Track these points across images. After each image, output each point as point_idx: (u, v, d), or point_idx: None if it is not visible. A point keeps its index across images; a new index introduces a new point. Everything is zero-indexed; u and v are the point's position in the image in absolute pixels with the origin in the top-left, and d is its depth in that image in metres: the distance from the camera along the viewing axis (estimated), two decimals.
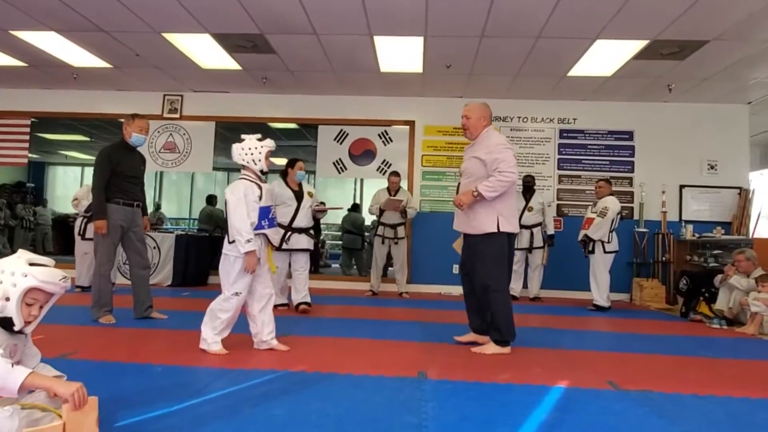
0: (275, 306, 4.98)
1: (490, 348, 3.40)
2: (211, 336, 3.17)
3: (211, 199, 9.49)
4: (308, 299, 5.10)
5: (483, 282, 3.42)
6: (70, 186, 14.30)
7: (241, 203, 3.12)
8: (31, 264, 1.70)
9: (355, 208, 9.80)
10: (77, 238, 6.18)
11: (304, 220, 5.16)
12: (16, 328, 1.69)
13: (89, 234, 6.05)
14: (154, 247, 7.02)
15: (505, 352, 3.39)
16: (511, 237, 3.53)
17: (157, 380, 2.57)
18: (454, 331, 3.91)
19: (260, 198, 3.21)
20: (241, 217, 3.11)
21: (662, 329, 4.91)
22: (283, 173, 5.28)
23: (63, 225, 12.51)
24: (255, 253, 3.13)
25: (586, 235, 6.01)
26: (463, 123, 3.62)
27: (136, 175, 4.32)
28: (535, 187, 6.83)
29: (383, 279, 6.94)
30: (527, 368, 3.07)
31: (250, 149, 3.24)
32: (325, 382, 2.62)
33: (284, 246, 5.01)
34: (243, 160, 3.24)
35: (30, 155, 8.46)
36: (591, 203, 6.41)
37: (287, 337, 3.73)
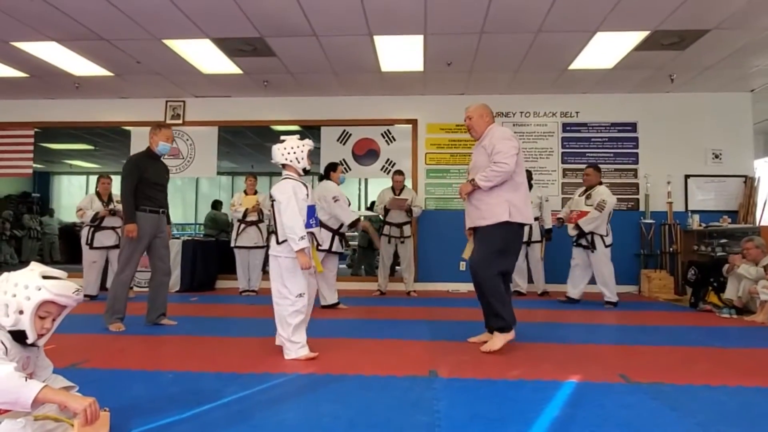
0: (324, 306, 5.30)
1: (497, 341, 3.33)
2: (293, 342, 3.13)
3: (216, 204, 9.52)
4: (336, 298, 5.47)
5: (474, 268, 3.41)
6: (75, 195, 14.36)
7: (291, 201, 3.11)
8: (45, 277, 1.70)
9: (370, 207, 9.82)
10: (84, 247, 6.20)
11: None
12: (29, 341, 1.70)
13: (96, 243, 6.11)
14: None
15: (511, 337, 3.36)
16: (522, 228, 3.50)
17: (168, 387, 2.58)
18: (463, 328, 3.91)
19: (308, 196, 3.21)
20: (293, 215, 3.09)
21: (672, 320, 4.90)
22: (326, 176, 5.49)
23: (69, 234, 12.59)
24: (305, 252, 3.09)
25: (580, 229, 5.78)
26: (467, 125, 3.68)
27: (161, 183, 4.38)
28: (532, 182, 6.81)
29: (391, 278, 6.94)
30: (537, 364, 3.06)
31: (293, 148, 3.23)
32: (335, 384, 2.63)
33: (333, 248, 5.30)
34: (286, 159, 3.23)
35: (35, 165, 8.50)
36: (578, 190, 6.16)
37: None
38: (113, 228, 6.20)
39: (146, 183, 4.23)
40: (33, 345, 1.73)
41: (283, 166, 3.27)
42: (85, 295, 6.13)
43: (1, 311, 1.65)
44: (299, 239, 3.05)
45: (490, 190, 3.41)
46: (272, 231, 3.24)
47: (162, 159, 4.49)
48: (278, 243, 3.14)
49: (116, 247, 6.17)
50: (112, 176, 6.50)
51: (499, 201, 3.38)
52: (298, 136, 3.33)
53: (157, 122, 4.43)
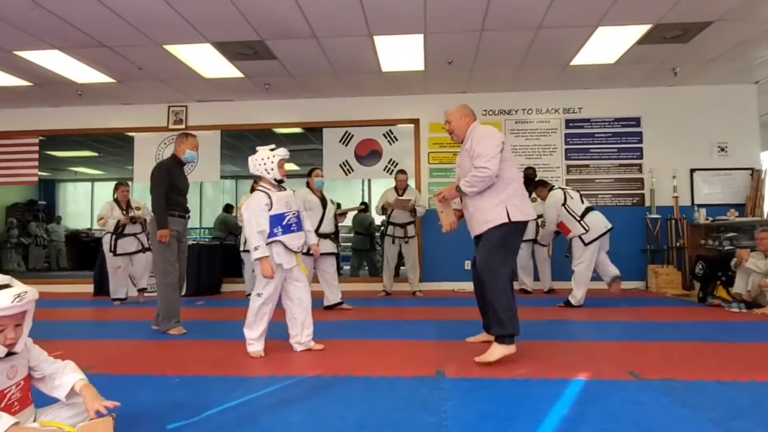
0: (327, 307, 5.43)
1: (495, 352, 3.01)
2: (249, 337, 3.36)
3: (228, 208, 9.68)
4: (339, 298, 5.52)
5: (480, 270, 3.25)
6: (81, 202, 14.43)
7: (251, 213, 3.26)
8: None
9: (365, 209, 9.80)
10: (108, 254, 6.28)
11: (329, 225, 5.50)
12: (0, 356, 1.65)
13: (120, 250, 6.24)
14: None
15: (511, 351, 3.02)
16: (523, 225, 3.30)
17: (175, 392, 2.57)
18: (469, 327, 3.89)
19: (269, 206, 3.27)
20: (248, 227, 3.26)
21: (680, 315, 4.86)
22: (307, 182, 5.58)
23: (76, 241, 12.66)
24: (266, 260, 3.22)
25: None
26: (447, 129, 3.56)
27: (185, 189, 4.50)
28: (536, 179, 6.77)
29: (395, 279, 6.92)
30: (545, 362, 3.04)
31: (263, 159, 3.34)
32: (342, 385, 2.61)
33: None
34: (258, 170, 3.35)
35: (40, 173, 8.53)
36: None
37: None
38: (134, 234, 6.31)
39: (174, 189, 4.33)
40: (10, 354, 1.69)
41: (259, 177, 3.40)
42: (115, 299, 6.27)
43: None
44: (254, 249, 3.22)
45: (482, 195, 3.24)
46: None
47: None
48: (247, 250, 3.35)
49: (138, 252, 6.33)
50: (109, 182, 6.52)
51: (494, 203, 3.21)
52: (272, 146, 3.40)
53: (183, 131, 4.53)
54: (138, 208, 6.35)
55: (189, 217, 4.53)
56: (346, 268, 10.19)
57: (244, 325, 3.38)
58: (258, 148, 3.41)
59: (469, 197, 3.30)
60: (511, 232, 3.21)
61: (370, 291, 7.18)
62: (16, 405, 1.67)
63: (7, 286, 1.63)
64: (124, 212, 6.26)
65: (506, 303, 3.10)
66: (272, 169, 3.33)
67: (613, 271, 5.54)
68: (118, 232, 6.24)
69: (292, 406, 2.28)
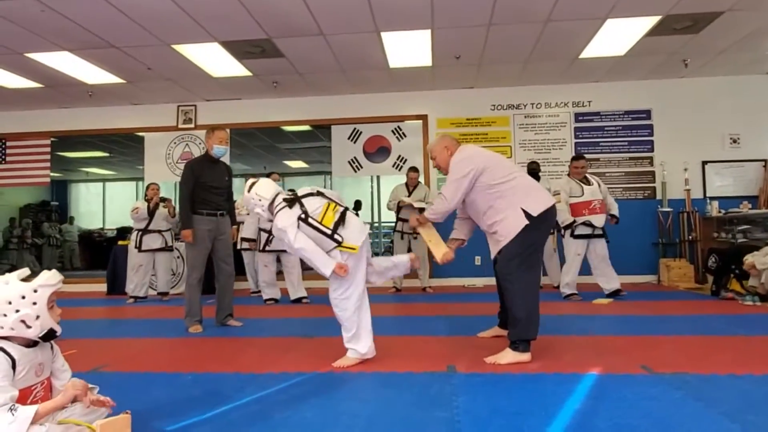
0: (265, 300, 5.81)
1: (507, 356, 2.93)
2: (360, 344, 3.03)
3: None
4: (304, 293, 5.89)
5: (501, 267, 3.11)
6: (93, 202, 14.56)
7: (303, 238, 2.92)
8: (24, 279, 1.74)
9: (356, 206, 9.84)
10: (133, 251, 6.47)
11: None
12: (58, 334, 1.77)
13: (144, 246, 6.43)
14: (178, 257, 7.11)
15: (522, 360, 2.91)
16: (547, 216, 3.06)
17: (188, 389, 2.60)
18: (480, 323, 3.89)
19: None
20: (312, 253, 2.90)
21: (693, 309, 4.82)
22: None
23: (89, 241, 12.80)
24: (337, 266, 2.93)
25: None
26: (435, 166, 3.44)
27: (219, 186, 4.40)
28: (540, 174, 6.72)
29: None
30: (557, 357, 3.03)
31: (258, 199, 3.08)
32: (354, 382, 2.62)
33: (268, 248, 5.87)
34: (254, 208, 3.12)
35: (52, 174, 8.62)
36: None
37: (313, 338, 3.75)
38: (159, 231, 6.47)
39: (203, 187, 4.28)
40: (50, 340, 1.78)
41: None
42: (133, 297, 6.40)
43: (20, 329, 1.68)
44: (325, 268, 2.89)
45: (492, 210, 3.09)
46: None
47: (222, 161, 4.53)
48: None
49: (162, 249, 6.48)
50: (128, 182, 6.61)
51: (508, 213, 3.03)
52: (252, 181, 3.16)
53: (211, 125, 4.49)
54: (165, 206, 6.53)
55: (223, 215, 4.39)
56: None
57: (346, 340, 3.02)
58: (261, 180, 3.18)
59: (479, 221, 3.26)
60: (531, 232, 3.00)
61: (380, 287, 7.19)
62: (39, 403, 1.71)
63: (35, 273, 1.78)
64: (151, 209, 6.46)
65: (527, 303, 2.97)
66: (267, 198, 3.06)
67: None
68: (144, 228, 6.42)
69: (303, 403, 2.30)
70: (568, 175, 5.79)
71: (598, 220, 5.48)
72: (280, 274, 6.08)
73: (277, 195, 3.07)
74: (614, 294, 5.44)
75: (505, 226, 3.04)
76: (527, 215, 2.98)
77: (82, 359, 3.07)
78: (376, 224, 11.90)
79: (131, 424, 1.81)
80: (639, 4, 4.95)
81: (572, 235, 5.56)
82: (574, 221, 5.53)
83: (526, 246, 3.01)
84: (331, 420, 2.09)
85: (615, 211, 5.59)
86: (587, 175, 5.68)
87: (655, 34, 5.66)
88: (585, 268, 5.70)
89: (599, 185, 5.62)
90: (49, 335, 1.75)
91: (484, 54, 6.19)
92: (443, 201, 3.19)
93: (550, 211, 3.08)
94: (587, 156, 7.31)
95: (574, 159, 5.80)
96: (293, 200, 2.99)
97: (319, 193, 3.09)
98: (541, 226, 3.08)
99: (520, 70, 6.83)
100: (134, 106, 8.01)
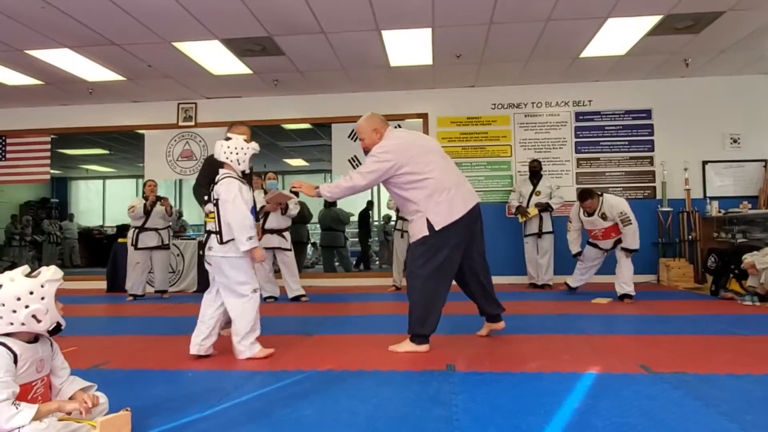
0: (265, 299, 5.71)
1: (405, 346, 3.16)
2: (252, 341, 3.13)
3: None
4: (302, 291, 5.90)
5: (408, 262, 3.29)
6: (93, 200, 14.58)
7: (239, 199, 3.03)
8: (28, 275, 1.76)
9: (368, 206, 9.93)
10: (130, 249, 6.43)
11: (275, 221, 5.79)
12: (63, 327, 1.80)
13: (141, 244, 6.38)
14: (178, 255, 7.11)
15: (421, 350, 3.11)
16: (446, 231, 3.10)
17: (188, 386, 2.60)
18: (479, 322, 3.87)
19: (252, 201, 3.16)
20: (243, 214, 3.01)
21: (692, 309, 4.82)
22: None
23: (89, 238, 12.81)
24: (258, 248, 3.09)
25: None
26: (362, 147, 3.42)
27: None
28: (542, 172, 6.73)
29: (406, 273, 6.91)
30: (556, 356, 3.03)
31: (236, 148, 3.13)
32: (353, 380, 2.63)
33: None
34: (227, 158, 3.13)
35: (52, 171, 8.62)
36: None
37: (312, 336, 3.75)
38: (156, 230, 6.43)
39: None
40: (59, 330, 1.80)
41: (222, 164, 3.18)
42: (131, 295, 6.37)
43: (31, 323, 1.69)
44: (247, 239, 2.98)
45: (405, 207, 3.24)
46: (214, 231, 3.09)
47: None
48: (221, 243, 3.05)
49: (159, 248, 6.45)
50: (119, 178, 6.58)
51: (416, 217, 3.17)
52: (245, 137, 3.25)
53: (232, 121, 4.46)
54: (163, 204, 6.48)
55: None
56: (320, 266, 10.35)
57: (242, 337, 3.09)
58: (230, 135, 3.25)
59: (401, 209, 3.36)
60: (436, 242, 3.12)
61: (379, 286, 7.20)
62: (39, 400, 1.73)
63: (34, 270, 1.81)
64: (148, 206, 6.40)
65: (421, 302, 3.14)
66: (244, 161, 3.14)
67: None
68: (140, 225, 6.38)
69: (304, 401, 2.30)
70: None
71: (604, 244, 5.57)
72: (278, 273, 6.08)
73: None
74: (622, 297, 5.36)
75: (412, 228, 3.22)
76: (429, 226, 3.10)
77: (82, 356, 3.08)
78: (377, 222, 11.91)
79: (131, 420, 1.81)
80: (640, 3, 4.95)
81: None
82: (580, 252, 5.73)
83: (429, 247, 3.12)
84: (330, 418, 2.09)
85: (626, 244, 5.35)
86: (606, 211, 5.36)
87: (656, 34, 5.66)
88: (604, 267, 5.76)
89: (605, 219, 5.38)
90: (56, 329, 1.78)
91: (485, 53, 6.19)
92: (350, 181, 3.19)
93: (459, 222, 3.12)
94: (588, 155, 7.36)
95: (579, 198, 5.60)
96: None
97: None
98: (445, 235, 3.12)
99: (520, 69, 6.83)
100: (134, 104, 8.01)
